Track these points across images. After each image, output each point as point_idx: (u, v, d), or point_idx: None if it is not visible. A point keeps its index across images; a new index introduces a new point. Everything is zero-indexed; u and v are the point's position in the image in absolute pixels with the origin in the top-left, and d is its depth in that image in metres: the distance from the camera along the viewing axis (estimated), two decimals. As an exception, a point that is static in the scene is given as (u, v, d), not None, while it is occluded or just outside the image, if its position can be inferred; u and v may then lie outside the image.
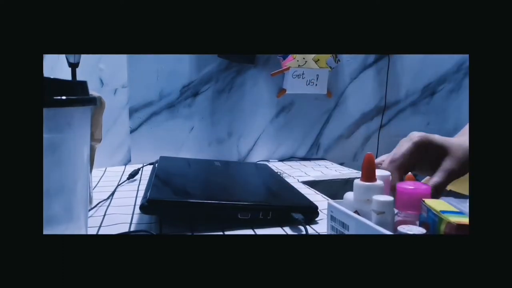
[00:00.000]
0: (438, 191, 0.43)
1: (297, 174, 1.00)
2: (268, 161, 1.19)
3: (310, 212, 0.60)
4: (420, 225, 0.38)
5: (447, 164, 0.44)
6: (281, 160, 1.22)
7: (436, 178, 0.44)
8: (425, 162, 0.46)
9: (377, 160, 0.47)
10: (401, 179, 0.44)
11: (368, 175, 0.42)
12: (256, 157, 1.20)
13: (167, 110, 1.09)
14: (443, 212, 0.36)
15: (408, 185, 0.41)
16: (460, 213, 0.36)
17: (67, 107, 0.34)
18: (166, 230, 0.55)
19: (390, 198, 0.38)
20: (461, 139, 0.46)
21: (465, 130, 0.52)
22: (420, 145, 0.45)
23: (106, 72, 0.99)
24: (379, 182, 0.41)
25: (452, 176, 0.44)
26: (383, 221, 0.38)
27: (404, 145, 0.46)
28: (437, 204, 0.38)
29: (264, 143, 1.20)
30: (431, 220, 0.37)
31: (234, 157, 1.18)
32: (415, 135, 0.46)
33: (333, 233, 0.44)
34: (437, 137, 0.46)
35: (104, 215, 0.61)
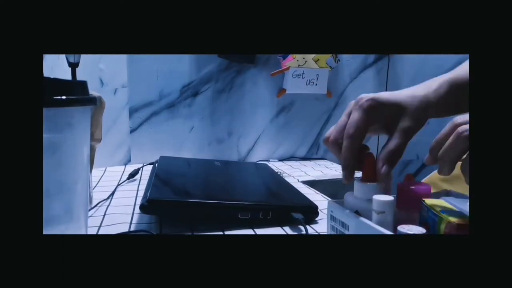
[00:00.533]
0: (397, 154, 0.40)
1: (297, 174, 1.00)
2: (268, 161, 1.19)
3: (310, 212, 0.60)
4: (420, 225, 0.38)
5: (402, 123, 0.41)
6: (281, 160, 1.22)
7: (394, 140, 0.41)
8: (380, 125, 0.44)
9: (327, 134, 0.45)
10: (357, 153, 0.42)
11: (369, 175, 0.42)
12: (256, 157, 1.20)
13: (167, 110, 1.09)
14: (443, 211, 0.36)
15: (408, 185, 0.41)
16: (460, 212, 0.36)
17: (67, 107, 0.34)
18: (166, 230, 0.55)
19: (391, 198, 0.38)
20: (411, 90, 0.43)
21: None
22: (370, 110, 0.42)
23: (106, 72, 0.99)
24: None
25: (409, 133, 0.41)
26: (383, 220, 0.38)
27: (354, 114, 0.43)
28: (437, 204, 0.38)
29: (264, 143, 1.20)
30: (431, 220, 0.37)
31: (234, 157, 1.18)
32: (363, 100, 0.43)
33: (333, 233, 0.44)
34: (386, 96, 0.43)
35: (104, 215, 0.61)
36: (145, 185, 0.67)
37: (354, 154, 0.42)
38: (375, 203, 0.38)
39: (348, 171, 0.42)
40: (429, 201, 0.39)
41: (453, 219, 0.34)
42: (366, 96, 0.43)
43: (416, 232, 0.35)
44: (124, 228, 0.55)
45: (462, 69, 0.43)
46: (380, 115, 0.42)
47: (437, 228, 0.36)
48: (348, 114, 0.44)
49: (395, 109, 0.42)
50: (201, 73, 1.10)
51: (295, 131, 1.23)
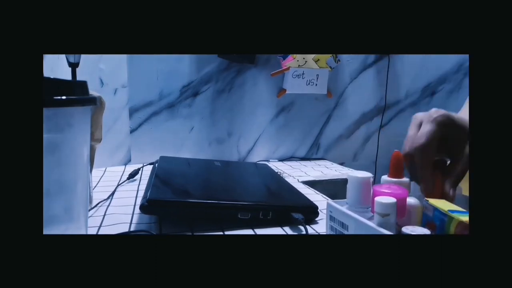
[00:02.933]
0: (461, 179, 0.40)
1: (297, 174, 1.00)
2: (268, 161, 1.19)
3: (310, 212, 0.60)
4: (424, 225, 0.38)
5: (469, 149, 0.40)
6: (281, 160, 1.22)
7: (461, 166, 0.40)
8: (445, 143, 0.42)
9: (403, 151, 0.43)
10: (429, 165, 0.41)
11: (396, 171, 0.42)
12: (256, 157, 1.20)
13: (167, 110, 1.09)
14: (451, 211, 0.36)
15: (384, 189, 0.41)
16: (466, 212, 0.36)
17: (67, 107, 0.34)
18: (166, 230, 0.55)
19: (393, 200, 0.38)
20: None
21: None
22: (443, 125, 0.41)
23: (106, 72, 0.99)
24: (405, 178, 0.42)
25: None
26: (387, 223, 0.38)
27: (426, 126, 0.41)
28: (442, 204, 0.38)
29: (264, 143, 1.20)
30: (438, 220, 0.37)
31: (234, 157, 1.18)
32: (437, 114, 0.42)
33: (332, 233, 0.44)
34: (458, 117, 0.43)
35: (104, 215, 0.61)
36: (145, 185, 0.67)
37: (429, 163, 0.40)
38: (378, 206, 0.38)
39: (427, 184, 0.40)
40: (433, 201, 0.38)
41: (465, 219, 0.34)
42: (439, 110, 0.42)
43: (420, 233, 0.35)
44: (124, 228, 0.55)
45: None
46: (450, 133, 0.42)
47: (446, 227, 0.36)
48: (417, 126, 0.43)
49: (465, 133, 0.42)
50: (201, 73, 1.10)
51: (295, 131, 1.23)
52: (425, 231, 0.35)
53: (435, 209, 0.37)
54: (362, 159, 1.32)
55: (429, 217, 0.38)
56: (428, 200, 0.39)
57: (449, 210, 0.36)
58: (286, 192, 0.71)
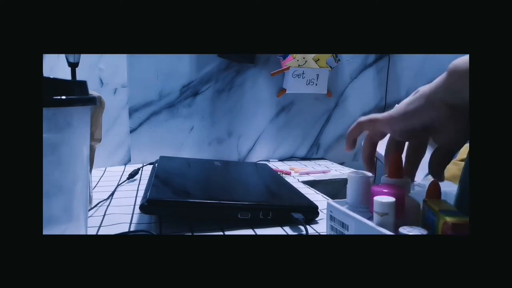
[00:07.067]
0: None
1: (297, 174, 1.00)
2: (268, 161, 1.19)
3: (310, 212, 0.60)
4: (424, 225, 0.38)
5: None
6: (281, 160, 1.22)
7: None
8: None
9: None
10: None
11: (396, 171, 0.42)
12: (256, 157, 1.20)
13: (167, 110, 1.09)
14: (442, 211, 0.36)
15: (382, 188, 0.40)
16: (458, 212, 0.36)
17: (66, 107, 0.34)
18: (166, 230, 0.55)
19: (392, 199, 0.38)
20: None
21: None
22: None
23: (106, 72, 0.99)
24: (406, 178, 0.42)
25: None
26: (385, 222, 0.38)
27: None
28: (437, 204, 0.38)
29: (264, 143, 1.20)
30: (430, 220, 0.37)
31: (234, 157, 1.18)
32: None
33: (332, 233, 0.44)
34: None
35: (104, 215, 0.61)
36: (145, 185, 0.67)
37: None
38: (377, 205, 0.38)
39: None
40: (430, 201, 0.38)
41: (449, 219, 0.34)
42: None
43: (417, 233, 0.35)
44: (124, 228, 0.55)
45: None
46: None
47: (436, 228, 0.36)
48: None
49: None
50: (201, 73, 1.10)
51: (295, 131, 1.23)
52: (423, 231, 0.35)
53: (429, 209, 0.37)
54: (362, 159, 1.32)
55: (426, 218, 0.38)
56: (425, 201, 0.39)
57: (440, 210, 0.36)
58: (286, 192, 0.71)
